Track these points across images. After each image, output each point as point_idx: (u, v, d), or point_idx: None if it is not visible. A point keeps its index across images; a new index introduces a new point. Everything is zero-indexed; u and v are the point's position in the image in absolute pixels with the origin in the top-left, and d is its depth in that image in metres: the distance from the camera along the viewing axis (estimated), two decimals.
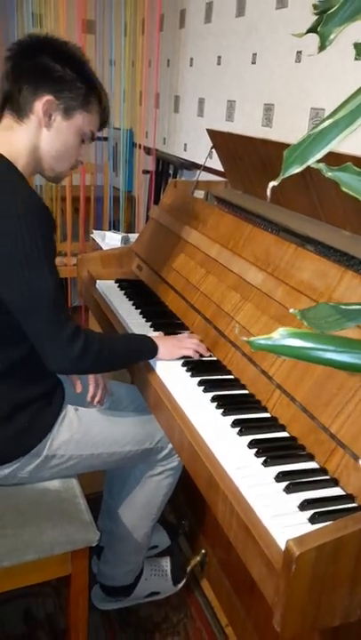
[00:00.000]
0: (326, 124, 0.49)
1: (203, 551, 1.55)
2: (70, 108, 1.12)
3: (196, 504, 1.63)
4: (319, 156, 0.50)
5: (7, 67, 1.11)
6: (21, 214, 0.99)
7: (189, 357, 1.27)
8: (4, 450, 1.15)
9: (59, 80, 1.09)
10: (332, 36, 0.54)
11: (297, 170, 0.51)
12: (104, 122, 1.21)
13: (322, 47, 0.55)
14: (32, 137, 1.11)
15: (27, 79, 1.09)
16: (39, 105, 1.09)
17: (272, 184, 0.51)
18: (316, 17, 0.68)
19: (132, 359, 1.27)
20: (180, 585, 1.54)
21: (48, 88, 1.09)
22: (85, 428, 1.24)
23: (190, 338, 1.32)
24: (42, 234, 1.02)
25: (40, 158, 1.14)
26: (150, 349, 1.25)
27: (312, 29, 0.66)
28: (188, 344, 1.29)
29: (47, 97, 1.09)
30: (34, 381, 1.17)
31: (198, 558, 1.55)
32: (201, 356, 1.29)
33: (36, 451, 1.17)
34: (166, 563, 1.55)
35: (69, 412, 1.25)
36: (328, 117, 0.50)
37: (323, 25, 0.54)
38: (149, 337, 1.27)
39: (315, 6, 0.69)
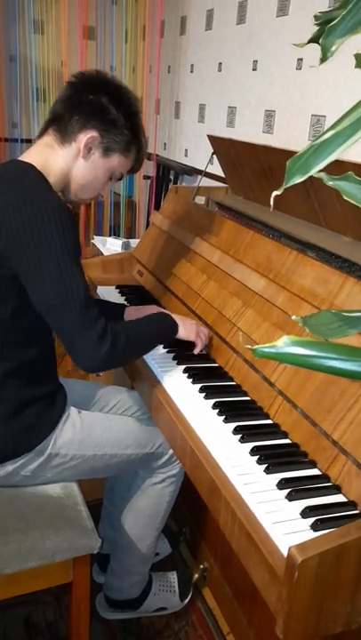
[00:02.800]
0: (329, 134, 0.50)
1: (202, 566, 1.54)
2: (110, 148, 1.18)
3: (197, 511, 1.62)
4: (322, 166, 0.51)
5: (66, 91, 1.17)
6: (52, 217, 1.04)
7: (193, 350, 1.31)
8: (10, 445, 1.17)
9: (110, 122, 1.16)
10: (333, 48, 0.55)
11: (300, 180, 0.52)
12: (135, 169, 1.29)
13: (323, 59, 0.56)
14: (68, 162, 1.17)
15: (80, 111, 1.15)
16: (84, 137, 1.15)
17: (275, 194, 0.52)
18: (317, 27, 0.69)
19: (156, 342, 1.29)
20: (187, 600, 1.53)
21: (97, 125, 1.15)
22: (88, 428, 1.26)
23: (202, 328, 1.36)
24: (70, 236, 1.06)
25: (68, 183, 1.20)
26: (172, 328, 1.28)
27: (313, 40, 0.67)
28: (201, 333, 1.32)
29: (93, 133, 1.15)
30: (38, 382, 1.20)
31: (197, 575, 1.54)
32: (199, 353, 1.33)
33: (40, 448, 1.19)
34: (174, 578, 1.54)
35: (72, 412, 1.27)
36: (331, 128, 0.50)
37: (324, 37, 0.54)
38: (169, 315, 1.30)
39: (316, 17, 0.69)
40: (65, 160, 1.17)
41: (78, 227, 1.17)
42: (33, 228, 1.03)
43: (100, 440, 1.26)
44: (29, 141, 3.55)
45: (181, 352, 1.33)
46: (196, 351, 1.31)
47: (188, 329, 1.30)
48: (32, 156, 1.16)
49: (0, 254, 1.06)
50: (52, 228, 1.03)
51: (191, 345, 1.32)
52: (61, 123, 1.16)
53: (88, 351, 1.08)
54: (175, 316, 1.31)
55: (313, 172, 0.51)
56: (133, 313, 1.45)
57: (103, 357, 1.08)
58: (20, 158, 1.17)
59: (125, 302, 1.68)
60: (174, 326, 1.28)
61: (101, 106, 1.15)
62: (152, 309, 1.44)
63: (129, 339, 1.14)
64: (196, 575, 1.55)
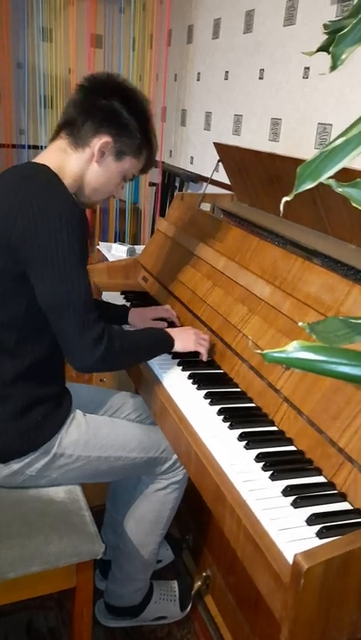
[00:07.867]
0: (339, 141, 0.50)
1: (205, 573, 1.54)
2: (123, 152, 1.20)
3: (200, 518, 1.62)
4: (332, 172, 0.51)
5: (78, 95, 1.18)
6: (64, 217, 1.06)
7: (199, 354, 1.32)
8: (16, 444, 1.18)
9: (122, 126, 1.17)
10: (344, 56, 0.55)
11: (310, 186, 0.52)
12: (146, 169, 1.30)
13: (333, 67, 0.56)
14: (82, 166, 1.19)
15: (93, 116, 1.16)
16: (97, 142, 1.17)
17: (286, 199, 0.52)
18: (326, 36, 0.69)
19: (151, 354, 1.31)
20: (187, 610, 1.52)
21: (110, 130, 1.16)
22: (94, 430, 1.27)
23: (202, 334, 1.36)
24: (80, 237, 1.08)
25: (82, 186, 1.21)
26: (168, 342, 1.29)
27: (323, 48, 0.67)
28: (201, 340, 1.33)
29: (106, 138, 1.17)
30: (46, 383, 1.22)
31: (200, 583, 1.53)
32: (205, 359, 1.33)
33: (46, 447, 1.20)
34: (175, 587, 1.54)
35: (78, 414, 1.28)
36: (341, 135, 0.50)
37: (335, 45, 0.55)
38: (165, 330, 1.32)
39: (325, 26, 0.70)
40: (78, 164, 1.18)
41: (90, 233, 1.20)
42: (44, 224, 1.04)
43: (105, 442, 1.27)
44: (36, 148, 3.58)
45: (187, 359, 1.33)
46: (204, 358, 1.32)
47: (185, 341, 1.31)
48: (46, 158, 1.17)
49: (14, 250, 1.07)
50: (61, 225, 1.05)
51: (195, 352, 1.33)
52: (74, 127, 1.17)
53: (83, 352, 1.11)
54: (172, 330, 1.32)
55: (323, 178, 0.51)
56: (137, 315, 1.46)
57: (95, 360, 1.10)
58: (34, 160, 1.19)
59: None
60: (170, 341, 1.29)
61: (114, 110, 1.16)
62: (155, 312, 1.46)
63: (123, 346, 1.17)
64: (199, 583, 1.54)
